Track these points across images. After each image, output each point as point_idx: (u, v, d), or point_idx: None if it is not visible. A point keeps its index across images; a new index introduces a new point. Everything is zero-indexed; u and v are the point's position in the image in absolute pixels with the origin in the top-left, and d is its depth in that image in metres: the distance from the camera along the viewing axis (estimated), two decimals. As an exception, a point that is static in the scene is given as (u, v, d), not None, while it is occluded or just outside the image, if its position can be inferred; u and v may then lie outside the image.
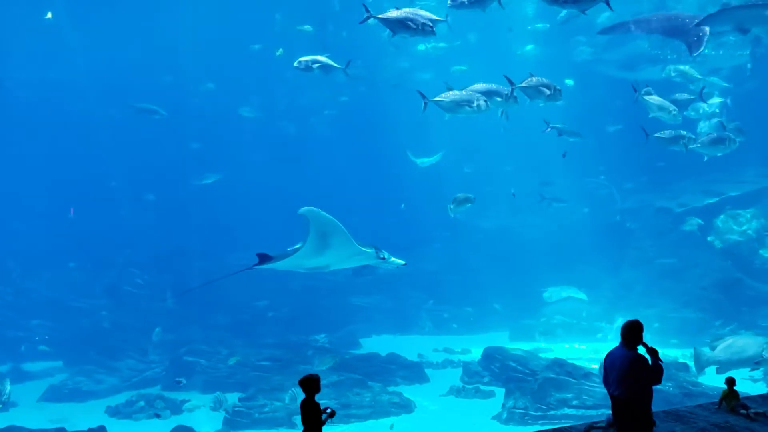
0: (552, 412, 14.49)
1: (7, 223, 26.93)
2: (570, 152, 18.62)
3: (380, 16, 12.21)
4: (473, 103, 12.84)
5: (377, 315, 25.06)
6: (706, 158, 16.51)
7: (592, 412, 13.82)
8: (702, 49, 15.49)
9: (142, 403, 16.95)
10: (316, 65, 15.35)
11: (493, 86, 13.30)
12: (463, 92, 12.95)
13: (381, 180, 28.77)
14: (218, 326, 22.35)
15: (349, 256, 13.38)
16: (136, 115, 26.24)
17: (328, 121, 30.86)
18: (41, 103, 29.07)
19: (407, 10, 12.42)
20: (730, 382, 8.04)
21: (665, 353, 18.64)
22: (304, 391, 5.72)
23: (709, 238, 22.00)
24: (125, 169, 28.37)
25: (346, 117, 30.33)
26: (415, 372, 18.74)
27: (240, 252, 25.86)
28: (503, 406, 15.16)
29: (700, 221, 21.97)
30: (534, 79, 13.12)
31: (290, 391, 15.88)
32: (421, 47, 25.18)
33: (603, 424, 7.14)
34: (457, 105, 12.90)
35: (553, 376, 15.29)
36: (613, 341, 23.20)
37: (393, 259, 13.42)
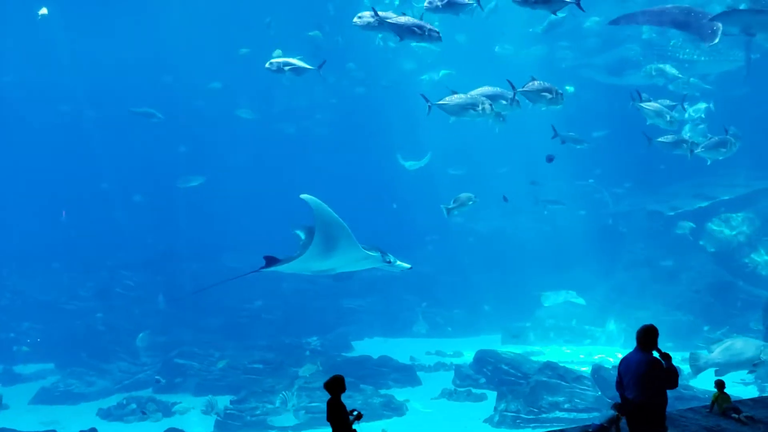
0: (544, 416, 14.48)
1: (-2, 225, 26.87)
2: (560, 156, 18.66)
3: (389, 21, 12.28)
4: (478, 106, 12.88)
5: (369, 317, 25.03)
6: (709, 162, 16.66)
7: (584, 416, 13.83)
8: (716, 40, 16.09)
9: (133, 406, 16.88)
10: (287, 67, 15.31)
11: (497, 90, 13.34)
12: (468, 96, 12.97)
13: (373, 182, 28.81)
14: (210, 329, 22.28)
15: (356, 260, 13.39)
16: (131, 117, 26.17)
17: (320, 123, 30.88)
18: (32, 104, 28.99)
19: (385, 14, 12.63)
20: (720, 384, 8.04)
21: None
22: (330, 392, 5.86)
23: (701, 242, 22.06)
24: (117, 171, 28.30)
25: (336, 120, 30.37)
26: (407, 375, 18.71)
27: (231, 254, 25.98)
28: (495, 409, 15.14)
29: (692, 225, 22.02)
30: (536, 83, 13.20)
31: (281, 395, 15.83)
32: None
33: (593, 430, 7.11)
34: (461, 108, 12.94)
35: (545, 379, 15.28)
36: (606, 344, 23.28)
37: (398, 262, 13.50)
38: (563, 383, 15.09)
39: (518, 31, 24.35)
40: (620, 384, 6.54)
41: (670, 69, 21.75)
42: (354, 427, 5.86)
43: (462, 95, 12.94)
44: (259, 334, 22.34)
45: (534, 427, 14.29)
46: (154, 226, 27.46)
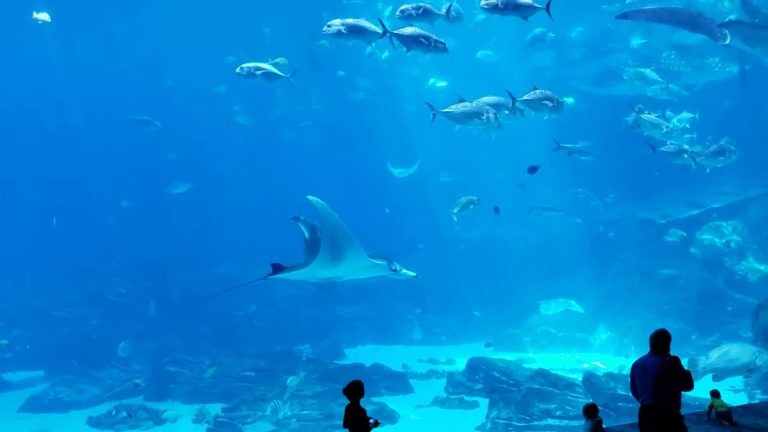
0: (535, 423, 14.52)
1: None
2: (549, 164, 18.76)
3: (396, 32, 12.41)
4: (482, 115, 12.97)
5: (361, 325, 25.02)
6: (708, 170, 16.91)
7: (576, 423, 13.87)
8: (727, 41, 16.87)
9: (123, 414, 16.81)
10: (258, 72, 15.35)
11: (500, 99, 13.45)
12: (473, 104, 13.06)
13: (366, 189, 28.82)
14: (202, 336, 22.23)
15: (362, 268, 13.52)
16: (123, 122, 26.13)
17: (313, 130, 30.90)
18: (24, 110, 28.91)
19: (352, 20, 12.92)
20: (715, 393, 8.15)
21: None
22: (349, 397, 5.95)
23: (691, 250, 22.18)
24: (109, 177, 28.23)
25: (331, 126, 30.39)
26: (399, 382, 18.71)
27: (224, 262, 25.96)
28: (487, 416, 15.16)
29: (682, 233, 22.14)
30: (537, 92, 13.33)
31: (272, 403, 15.80)
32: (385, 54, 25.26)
33: None
34: (466, 117, 13.03)
35: (536, 386, 15.32)
36: (598, 351, 23.30)
37: (404, 271, 13.64)
38: (555, 390, 15.13)
39: (508, 40, 24.43)
40: (634, 389, 6.63)
41: (650, 73, 21.99)
42: None
43: (467, 104, 13.04)
44: (251, 341, 22.31)
45: (525, 435, 14.35)
46: (147, 232, 27.37)
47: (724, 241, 21.89)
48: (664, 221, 23.01)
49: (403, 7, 12.89)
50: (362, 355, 22.11)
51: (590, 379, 15.49)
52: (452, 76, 26.43)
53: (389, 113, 29.45)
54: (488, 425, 14.91)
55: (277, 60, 19.28)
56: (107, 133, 28.19)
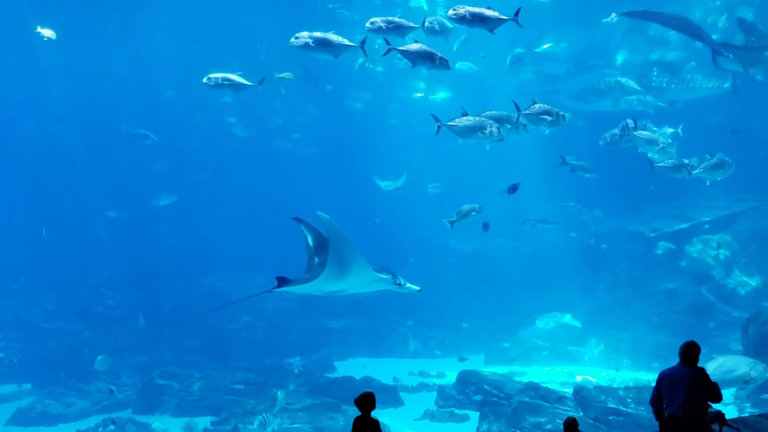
0: (526, 436, 14.49)
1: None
2: (533, 179, 18.82)
3: (401, 48, 12.54)
4: (486, 129, 13.03)
5: (353, 337, 24.91)
6: (708, 183, 17.07)
7: (566, 436, 13.82)
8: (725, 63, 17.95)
9: (112, 427, 16.64)
10: (226, 82, 15.41)
11: (503, 113, 13.52)
12: (476, 118, 13.11)
13: (356, 201, 28.84)
14: (191, 348, 22.09)
15: (367, 282, 13.62)
16: (113, 133, 26.09)
17: (302, 141, 30.97)
18: (12, 122, 28.86)
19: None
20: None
21: (644, 376, 18.87)
22: (360, 408, 6.01)
23: (681, 263, 22.28)
24: (98, 188, 28.14)
25: (318, 138, 30.48)
26: (389, 395, 18.60)
27: (214, 272, 25.89)
28: (477, 430, 15.12)
29: (672, 246, 22.25)
30: (537, 105, 13.43)
31: (260, 417, 15.69)
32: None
33: None
34: (470, 131, 13.07)
35: (527, 400, 15.31)
36: (588, 365, 23.24)
37: (408, 285, 13.70)
38: (545, 404, 15.11)
39: (497, 55, 24.62)
40: (658, 400, 6.65)
41: (627, 81, 22.19)
42: None
43: (471, 117, 13.09)
44: (241, 354, 22.20)
45: (516, 449, 14.31)
46: (137, 243, 27.28)
47: (713, 254, 22.01)
48: (653, 234, 23.10)
49: (373, 19, 12.94)
50: (353, 368, 22.02)
51: (581, 393, 15.48)
52: (441, 90, 26.59)
53: (378, 125, 29.58)
54: (479, 439, 14.88)
55: (283, 74, 19.48)
56: (97, 143, 28.13)
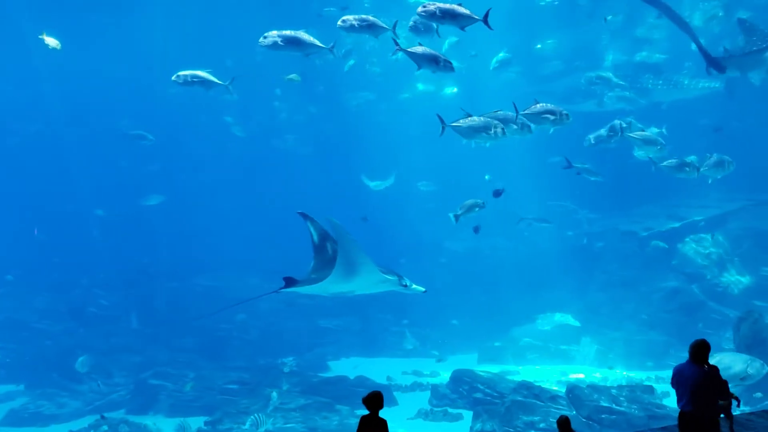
0: (519, 435, 14.53)
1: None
2: (524, 179, 18.84)
3: (408, 50, 12.59)
4: (490, 130, 13.08)
5: (346, 337, 24.92)
6: (710, 180, 17.34)
7: (559, 435, 13.86)
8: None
9: (105, 428, 16.62)
10: (195, 80, 15.40)
11: (507, 114, 13.61)
12: (481, 119, 13.19)
13: (349, 201, 28.84)
14: (185, 348, 22.05)
15: (374, 283, 13.75)
16: (107, 134, 26.02)
17: (296, 142, 30.97)
18: (4, 121, 28.74)
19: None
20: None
21: (637, 375, 18.95)
22: (368, 407, 5.95)
23: (673, 262, 22.37)
24: (92, 188, 28.06)
25: (313, 138, 30.47)
26: (383, 395, 18.59)
27: (208, 272, 25.84)
28: (471, 429, 15.16)
29: (664, 245, 22.33)
30: (538, 105, 13.50)
31: (252, 417, 15.67)
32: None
33: None
34: (474, 131, 13.15)
35: (520, 398, 15.35)
36: (581, 363, 23.24)
37: (414, 286, 13.78)
38: (538, 403, 15.16)
39: (488, 55, 24.66)
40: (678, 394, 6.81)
41: (610, 76, 22.26)
42: None
43: (475, 118, 13.17)
44: (235, 354, 22.18)
45: (509, 447, 14.33)
46: (129, 243, 27.20)
47: (705, 253, 22.11)
48: (646, 234, 23.19)
49: (345, 17, 13.02)
50: (347, 367, 22.04)
51: (573, 391, 15.53)
52: (433, 87, 26.58)
53: (372, 124, 29.60)
54: (472, 437, 14.92)
55: (291, 76, 19.53)
56: (91, 143, 28.04)
